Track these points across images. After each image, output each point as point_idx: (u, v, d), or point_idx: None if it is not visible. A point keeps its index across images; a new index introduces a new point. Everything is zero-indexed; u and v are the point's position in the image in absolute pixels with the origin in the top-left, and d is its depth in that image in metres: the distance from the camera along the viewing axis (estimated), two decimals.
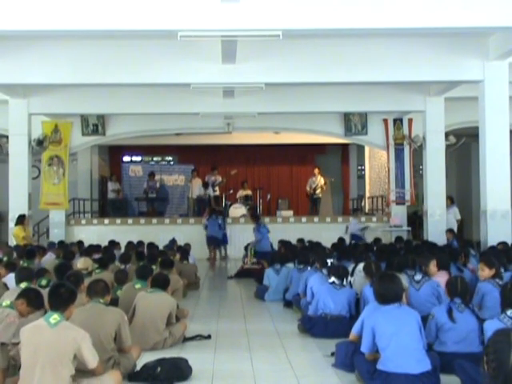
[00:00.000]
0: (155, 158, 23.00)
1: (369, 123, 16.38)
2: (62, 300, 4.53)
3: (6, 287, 7.09)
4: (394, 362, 4.86)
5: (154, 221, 17.12)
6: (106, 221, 17.19)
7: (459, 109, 14.74)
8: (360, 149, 21.10)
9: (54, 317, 4.43)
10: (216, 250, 16.00)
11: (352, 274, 7.93)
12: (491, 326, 4.69)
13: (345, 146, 22.06)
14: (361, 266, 7.75)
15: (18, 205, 13.92)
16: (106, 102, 14.18)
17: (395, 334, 4.90)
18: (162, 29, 8.64)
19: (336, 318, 7.03)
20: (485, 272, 6.66)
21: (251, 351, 6.49)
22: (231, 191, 18.92)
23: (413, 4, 8.42)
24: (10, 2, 8.27)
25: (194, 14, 8.40)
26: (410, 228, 16.49)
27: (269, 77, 11.13)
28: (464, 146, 17.14)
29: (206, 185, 17.66)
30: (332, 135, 17.24)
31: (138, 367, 5.50)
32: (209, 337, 7.07)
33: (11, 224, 13.80)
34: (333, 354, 5.97)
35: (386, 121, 16.08)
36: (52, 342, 4.33)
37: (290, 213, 17.87)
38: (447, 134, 15.03)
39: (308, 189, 18.22)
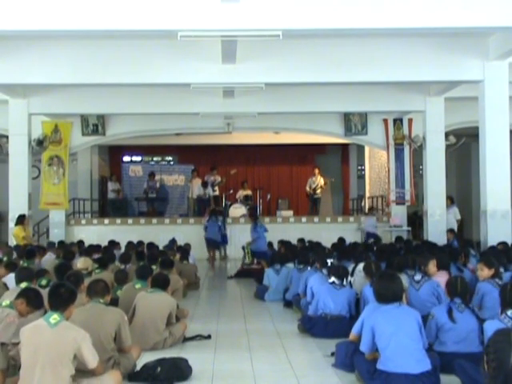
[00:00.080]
0: (155, 158, 23.00)
1: (369, 123, 16.38)
2: (61, 300, 4.53)
3: (6, 287, 7.10)
4: (394, 361, 4.86)
5: (154, 221, 17.12)
6: (106, 221, 17.19)
7: (459, 109, 14.75)
8: (360, 149, 21.10)
9: (54, 317, 4.43)
10: (215, 250, 16.00)
11: (352, 274, 7.93)
12: (491, 327, 4.68)
13: (345, 146, 22.06)
14: (361, 266, 7.75)
15: (17, 205, 13.93)
16: (106, 102, 14.18)
17: (395, 334, 4.89)
18: (161, 29, 8.64)
19: (336, 318, 7.03)
20: (484, 272, 6.66)
21: (251, 351, 6.50)
22: (231, 191, 18.91)
23: (413, 4, 8.42)
24: (10, 2, 8.27)
25: (194, 14, 8.40)
26: (410, 228, 16.50)
27: (269, 77, 11.13)
28: (464, 146, 17.14)
29: (205, 184, 17.64)
30: (332, 135, 17.24)
31: (138, 367, 5.50)
32: (209, 337, 7.07)
33: (11, 224, 13.80)
34: (333, 354, 5.97)
35: (386, 121, 16.09)
36: (52, 342, 4.33)
37: (290, 213, 17.86)
38: (447, 134, 15.03)
39: (308, 189, 18.21)
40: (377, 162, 19.33)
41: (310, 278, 7.99)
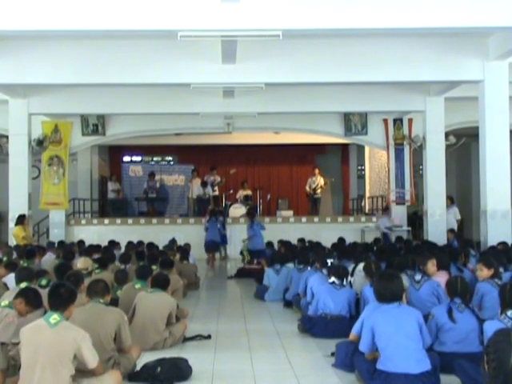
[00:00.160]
0: (155, 158, 23.01)
1: (369, 123, 16.38)
2: (61, 300, 4.53)
3: (6, 287, 7.10)
4: (394, 361, 4.86)
5: (154, 221, 17.12)
6: (106, 221, 17.19)
7: (459, 109, 14.75)
8: (360, 149, 21.10)
9: (54, 317, 4.43)
10: (215, 253, 15.97)
11: (352, 274, 7.93)
12: (491, 327, 4.68)
13: (345, 146, 22.06)
14: (361, 265, 7.75)
15: (17, 205, 13.93)
16: (106, 102, 14.18)
17: (394, 334, 4.89)
18: (161, 29, 8.64)
19: (336, 318, 7.03)
20: (483, 272, 6.65)
21: (251, 351, 6.50)
22: (231, 191, 18.92)
23: (413, 4, 8.42)
24: (10, 2, 8.27)
25: (194, 14, 8.40)
26: (410, 228, 16.50)
27: (269, 77, 11.13)
28: (464, 146, 17.14)
29: (204, 184, 17.63)
30: (332, 135, 17.24)
31: (138, 367, 5.50)
32: (209, 337, 7.08)
33: (11, 224, 13.80)
34: (333, 354, 5.97)
35: (386, 121, 16.09)
36: (52, 341, 4.33)
37: (290, 213, 17.86)
38: (447, 134, 15.03)
39: (308, 189, 18.21)
40: (377, 162, 19.33)
41: (310, 278, 7.99)
